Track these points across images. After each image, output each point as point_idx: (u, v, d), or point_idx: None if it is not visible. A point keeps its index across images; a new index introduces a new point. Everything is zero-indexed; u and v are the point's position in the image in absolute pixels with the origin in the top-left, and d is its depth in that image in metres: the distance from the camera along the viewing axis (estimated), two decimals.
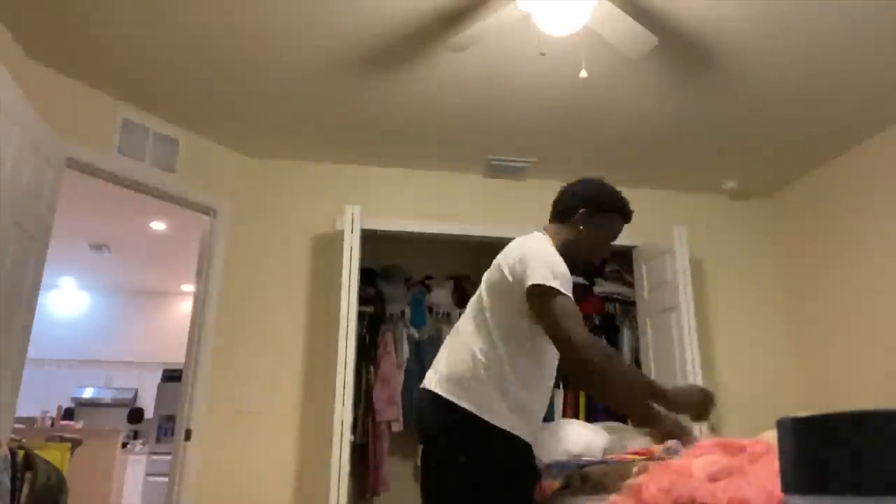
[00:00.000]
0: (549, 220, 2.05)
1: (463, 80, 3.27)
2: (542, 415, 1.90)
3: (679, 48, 2.95)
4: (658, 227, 4.21)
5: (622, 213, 2.02)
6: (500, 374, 1.78)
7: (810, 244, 4.27)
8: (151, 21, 2.85)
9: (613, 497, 1.23)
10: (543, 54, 2.73)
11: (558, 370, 1.94)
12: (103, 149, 3.39)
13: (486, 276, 1.96)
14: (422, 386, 1.92)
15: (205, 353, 3.67)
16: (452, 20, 2.78)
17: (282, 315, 3.89)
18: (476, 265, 4.99)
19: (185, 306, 6.39)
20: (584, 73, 2.74)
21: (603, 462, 1.94)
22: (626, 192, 4.74)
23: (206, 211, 3.88)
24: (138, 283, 7.46)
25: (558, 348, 1.74)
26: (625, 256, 4.48)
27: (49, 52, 3.09)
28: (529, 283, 1.74)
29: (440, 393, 1.82)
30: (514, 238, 2.03)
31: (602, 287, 4.67)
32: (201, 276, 3.85)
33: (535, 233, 1.98)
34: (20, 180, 2.66)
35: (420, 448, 1.94)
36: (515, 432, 1.77)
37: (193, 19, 2.83)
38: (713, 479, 1.10)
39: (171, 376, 6.55)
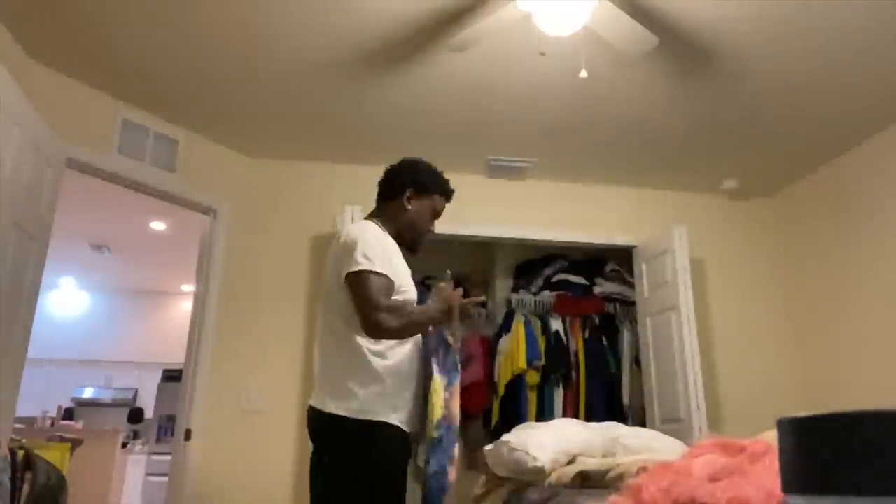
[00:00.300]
0: (376, 203, 2.20)
1: (463, 80, 3.27)
2: (401, 385, 1.97)
3: (679, 48, 2.96)
4: (658, 227, 4.22)
5: (444, 193, 2.18)
6: (348, 367, 1.92)
7: (810, 244, 4.27)
8: (152, 21, 2.85)
9: (613, 497, 1.23)
10: (543, 54, 2.74)
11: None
12: (103, 149, 3.39)
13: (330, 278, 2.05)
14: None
15: (205, 353, 3.67)
16: (452, 20, 2.78)
17: (282, 315, 3.89)
18: (476, 265, 5.01)
19: (185, 306, 6.39)
20: (584, 73, 2.74)
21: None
22: (627, 192, 4.73)
23: (206, 211, 3.88)
24: (138, 283, 7.46)
25: (362, 325, 1.89)
26: (625, 256, 4.48)
27: (49, 52, 3.09)
28: (345, 272, 1.91)
29: (312, 404, 1.97)
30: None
31: (602, 287, 4.67)
32: (201, 276, 3.85)
33: (361, 221, 2.12)
34: (20, 180, 2.66)
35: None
36: (371, 419, 1.87)
37: (193, 19, 2.83)
38: (713, 479, 1.10)
39: (171, 376, 6.55)
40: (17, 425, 3.49)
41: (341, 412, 1.87)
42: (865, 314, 3.77)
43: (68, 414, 6.99)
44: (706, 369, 3.91)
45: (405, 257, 2.12)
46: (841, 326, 3.96)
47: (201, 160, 3.85)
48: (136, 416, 7.44)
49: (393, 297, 1.94)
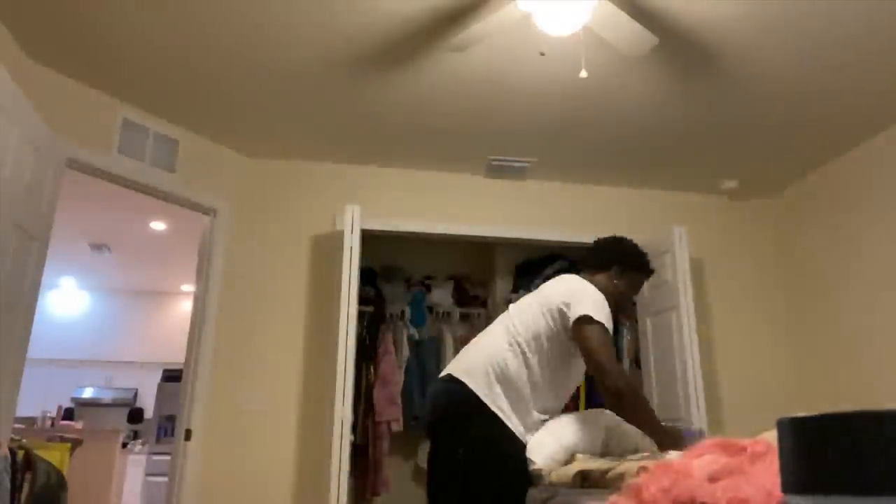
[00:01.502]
0: (585, 270, 2.36)
1: (463, 80, 3.27)
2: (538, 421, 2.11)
3: (679, 48, 2.95)
4: (658, 227, 4.21)
5: (647, 272, 2.37)
6: (511, 383, 2.03)
7: (810, 244, 4.27)
8: (152, 21, 2.85)
9: (613, 497, 1.23)
10: (543, 54, 2.74)
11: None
12: (103, 149, 3.39)
13: (538, 298, 2.21)
14: (446, 374, 2.13)
15: (205, 353, 3.67)
16: (452, 20, 2.78)
17: (282, 315, 3.89)
18: (476, 265, 5.02)
19: (185, 306, 6.39)
20: (584, 73, 2.74)
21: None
22: (626, 192, 4.73)
23: (206, 211, 3.88)
24: (138, 283, 7.46)
25: (594, 372, 2.02)
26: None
27: (49, 52, 3.09)
28: (580, 312, 2.03)
29: (467, 383, 2.04)
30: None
31: None
32: (201, 276, 3.85)
33: (577, 276, 2.28)
34: (20, 180, 2.66)
35: (426, 442, 2.19)
36: (524, 438, 2.00)
37: (194, 19, 2.83)
38: (713, 479, 1.10)
39: (171, 376, 6.55)
40: (17, 425, 3.49)
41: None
42: (865, 314, 3.77)
43: (68, 414, 6.99)
44: (706, 369, 3.91)
45: None
46: (841, 326, 3.96)
47: (201, 160, 3.85)
48: (136, 416, 7.45)
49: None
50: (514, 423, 2.01)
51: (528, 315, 2.14)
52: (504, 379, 2.04)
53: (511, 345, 2.09)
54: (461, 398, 2.03)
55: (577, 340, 2.04)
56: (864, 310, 3.78)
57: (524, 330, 2.11)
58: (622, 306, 2.33)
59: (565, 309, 2.07)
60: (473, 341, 2.24)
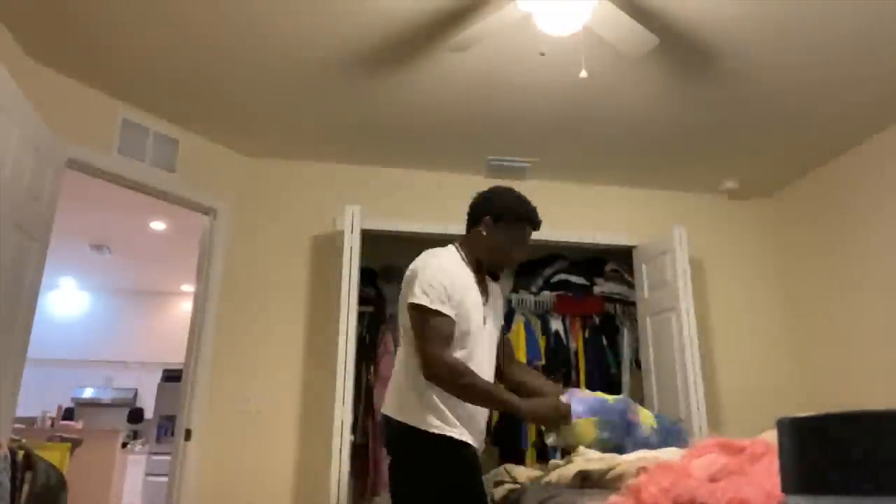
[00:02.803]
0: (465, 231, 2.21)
1: (463, 80, 3.27)
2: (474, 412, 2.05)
3: (679, 48, 2.96)
4: (658, 227, 4.22)
5: (528, 220, 2.14)
6: (418, 382, 1.97)
7: (810, 244, 4.27)
8: (152, 21, 2.85)
9: (613, 497, 1.23)
10: (543, 54, 2.74)
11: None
12: (103, 149, 3.39)
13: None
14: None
15: (205, 353, 3.67)
16: (452, 20, 2.78)
17: (282, 315, 3.89)
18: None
19: (185, 306, 6.39)
20: (584, 73, 2.74)
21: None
22: (626, 192, 4.72)
23: (206, 211, 3.88)
24: (138, 283, 7.46)
25: (424, 361, 1.95)
26: (625, 256, 4.48)
27: (49, 52, 3.09)
28: (411, 301, 1.96)
29: (382, 411, 2.07)
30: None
31: (602, 287, 4.67)
32: (201, 276, 3.85)
33: (446, 247, 2.15)
34: (20, 180, 2.66)
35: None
36: (438, 431, 1.94)
37: (193, 19, 2.83)
38: (713, 479, 1.10)
39: (171, 376, 6.56)
40: (17, 425, 3.49)
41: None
42: (865, 314, 3.77)
43: (68, 414, 6.99)
44: (706, 369, 3.92)
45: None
46: (841, 326, 3.96)
47: (201, 160, 3.85)
48: (136, 416, 7.45)
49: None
50: (423, 423, 1.94)
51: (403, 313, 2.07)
52: (405, 387, 2.01)
53: (404, 353, 2.06)
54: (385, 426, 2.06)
55: (411, 326, 1.98)
56: (864, 309, 3.78)
57: (403, 324, 2.07)
58: (496, 262, 2.15)
59: (407, 296, 2.00)
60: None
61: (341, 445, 3.27)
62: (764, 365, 4.27)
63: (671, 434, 2.13)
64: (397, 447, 2.01)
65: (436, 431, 1.93)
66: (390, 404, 2.04)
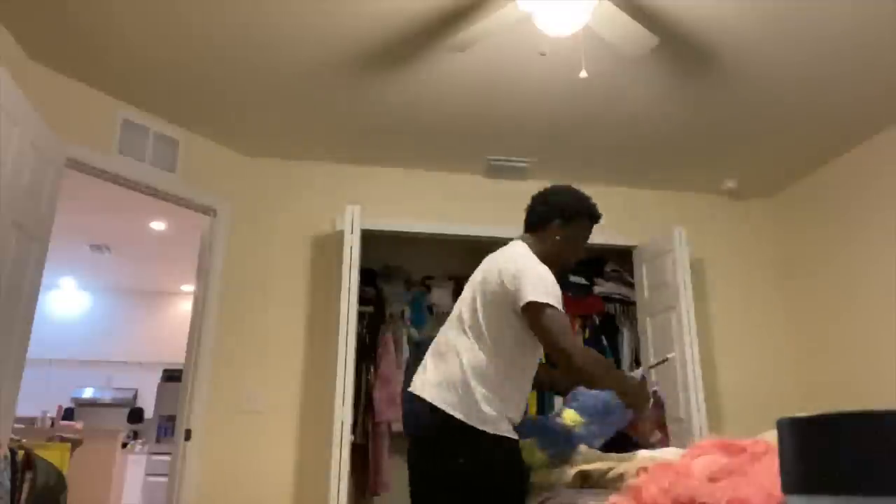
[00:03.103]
0: (525, 230, 2.21)
1: (463, 80, 3.27)
2: (523, 409, 2.04)
3: (679, 48, 2.96)
4: (658, 227, 4.21)
5: (591, 217, 2.16)
6: (488, 381, 1.92)
7: (810, 244, 4.27)
8: (152, 22, 2.85)
9: (613, 497, 1.23)
10: (543, 54, 2.73)
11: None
12: (103, 149, 3.39)
13: (478, 286, 2.07)
14: (411, 391, 2.07)
15: (205, 353, 3.67)
16: (452, 20, 2.78)
17: (282, 315, 3.89)
18: (476, 265, 5.01)
19: (185, 306, 6.39)
20: (584, 73, 2.74)
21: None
22: (626, 192, 4.72)
23: (206, 211, 3.88)
24: (138, 283, 7.46)
25: (557, 360, 1.91)
26: (625, 256, 4.48)
27: (49, 53, 3.09)
28: (528, 299, 1.89)
29: (430, 400, 1.96)
30: (513, 238, 2.17)
31: (602, 287, 4.67)
32: (201, 276, 3.85)
33: (517, 244, 2.13)
34: (20, 180, 2.66)
35: (408, 450, 2.14)
36: (503, 433, 1.90)
37: (193, 20, 2.83)
38: (713, 479, 1.10)
39: (171, 376, 6.55)
40: (17, 425, 3.49)
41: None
42: (865, 314, 3.77)
43: (68, 414, 6.99)
44: (706, 369, 3.91)
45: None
46: (841, 326, 3.96)
47: (201, 160, 3.85)
48: (136, 416, 7.45)
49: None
50: (490, 426, 1.89)
51: (486, 307, 2.02)
52: (472, 384, 1.94)
53: (473, 346, 1.99)
54: (436, 417, 1.95)
55: (532, 330, 1.92)
56: (864, 309, 3.78)
57: (484, 325, 2.00)
58: (567, 263, 2.16)
59: (511, 290, 1.94)
60: (433, 348, 2.16)
61: (341, 445, 3.27)
62: (764, 365, 4.27)
63: (607, 413, 2.08)
64: (456, 447, 1.92)
65: (505, 434, 1.92)
66: (450, 402, 1.93)
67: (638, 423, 2.11)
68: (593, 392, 2.08)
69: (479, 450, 1.89)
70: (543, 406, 4.23)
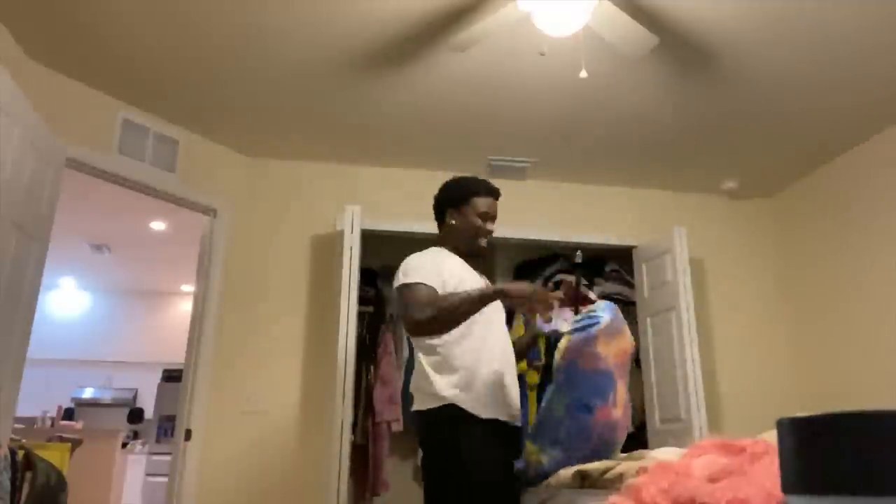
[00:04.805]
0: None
1: (463, 80, 3.27)
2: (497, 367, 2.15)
3: (679, 48, 2.96)
4: (658, 227, 4.22)
5: (479, 192, 2.29)
6: (421, 364, 2.12)
7: (810, 244, 4.27)
8: (152, 21, 2.85)
9: (613, 497, 1.23)
10: (543, 54, 2.73)
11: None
12: (103, 149, 3.39)
13: None
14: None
15: (205, 353, 3.67)
16: (453, 20, 2.79)
17: (282, 315, 3.89)
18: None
19: (185, 306, 6.38)
20: (584, 73, 2.74)
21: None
22: (626, 192, 4.71)
23: (206, 211, 3.88)
24: (138, 283, 7.46)
25: (406, 327, 2.14)
26: (625, 256, 4.48)
27: (49, 52, 3.09)
28: (394, 288, 2.15)
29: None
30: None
31: (602, 287, 4.67)
32: (201, 276, 3.85)
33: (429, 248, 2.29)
34: (20, 180, 2.66)
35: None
36: (464, 407, 2.02)
37: (194, 20, 2.83)
38: (713, 479, 1.10)
39: (171, 376, 6.55)
40: (17, 425, 3.49)
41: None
42: (865, 314, 3.77)
43: (68, 414, 6.98)
44: (706, 369, 3.91)
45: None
46: (840, 326, 3.96)
47: (201, 160, 3.85)
48: (136, 416, 7.44)
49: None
50: (437, 399, 2.04)
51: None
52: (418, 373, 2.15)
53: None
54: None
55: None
56: (864, 309, 3.78)
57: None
58: (473, 239, 2.28)
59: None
60: None
61: (341, 445, 3.27)
62: (764, 365, 4.27)
63: (556, 428, 2.00)
64: (425, 436, 2.11)
65: (450, 402, 2.02)
66: (415, 401, 2.15)
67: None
68: (541, 411, 2.07)
69: (434, 428, 2.06)
70: None
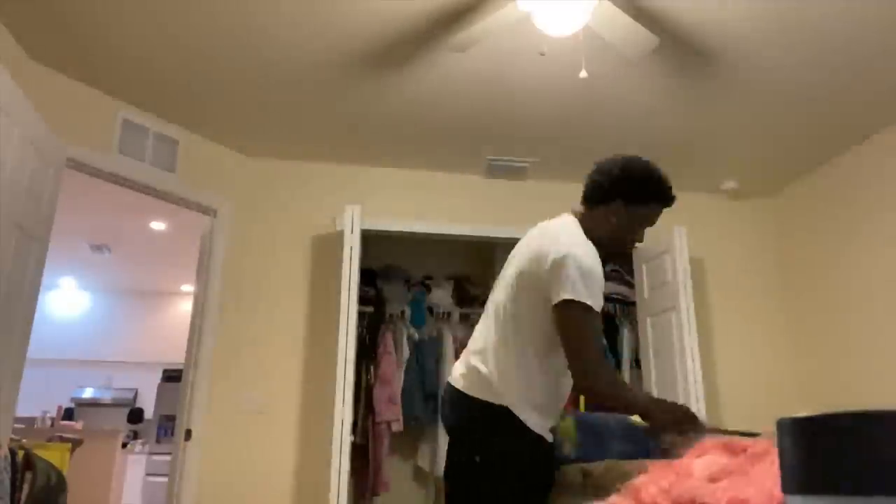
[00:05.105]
0: (581, 201, 1.97)
1: (463, 80, 3.27)
2: (559, 410, 1.91)
3: (679, 49, 2.95)
4: (658, 227, 4.19)
5: (662, 200, 1.89)
6: (527, 372, 1.78)
7: (810, 244, 4.27)
8: (151, 21, 2.85)
9: (613, 497, 1.23)
10: (543, 54, 2.73)
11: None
12: (103, 149, 3.39)
13: (518, 265, 1.87)
14: (448, 380, 1.94)
15: (205, 353, 3.67)
16: (453, 20, 2.78)
17: (282, 315, 3.89)
18: (476, 265, 5.01)
19: (185, 306, 6.39)
20: (584, 73, 2.74)
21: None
22: None
23: (206, 211, 3.88)
24: (138, 283, 7.46)
25: (570, 368, 1.74)
26: (625, 256, 4.48)
27: (49, 52, 3.09)
28: (562, 296, 1.69)
29: (465, 391, 1.82)
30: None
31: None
32: (201, 276, 3.85)
33: (567, 218, 1.93)
34: (20, 180, 2.66)
35: (448, 441, 1.97)
36: (538, 431, 1.77)
37: (194, 20, 2.83)
38: (713, 479, 1.10)
39: (171, 376, 6.55)
40: (17, 425, 3.49)
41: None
42: (865, 313, 3.77)
43: (68, 414, 6.99)
44: (706, 369, 3.91)
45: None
46: (840, 326, 3.95)
47: (201, 160, 3.85)
48: (136, 416, 7.45)
49: None
50: (527, 418, 1.75)
51: (521, 290, 1.83)
52: (511, 375, 1.79)
53: (513, 335, 1.81)
54: (472, 407, 1.80)
55: (556, 327, 1.73)
56: (864, 309, 3.78)
57: (520, 310, 1.81)
58: (618, 247, 1.94)
59: (547, 280, 1.75)
60: (478, 331, 1.96)
61: (341, 445, 3.27)
62: (764, 365, 4.27)
63: (608, 437, 1.94)
64: (490, 426, 1.78)
65: (536, 431, 1.77)
66: (478, 386, 1.80)
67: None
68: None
69: (514, 444, 1.76)
70: None
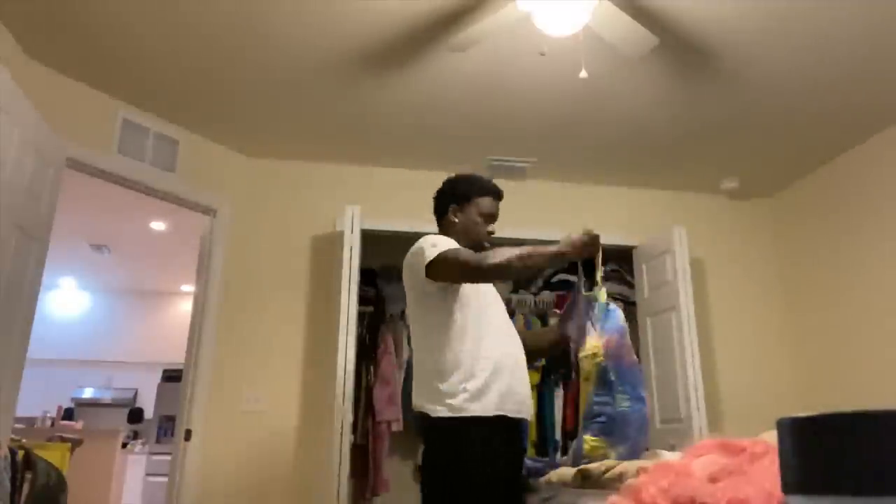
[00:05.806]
0: (436, 222, 2.35)
1: (463, 81, 3.27)
2: (501, 357, 2.09)
3: (679, 48, 2.96)
4: (658, 227, 4.21)
5: (485, 192, 2.28)
6: (439, 356, 2.03)
7: (810, 244, 4.27)
8: (152, 21, 2.85)
9: (613, 497, 1.23)
10: (543, 54, 2.73)
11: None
12: (103, 149, 3.39)
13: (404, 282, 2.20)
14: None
15: (205, 352, 3.67)
16: (452, 20, 2.79)
17: (282, 315, 3.89)
18: None
19: (185, 306, 6.39)
20: (584, 73, 2.74)
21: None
22: (626, 192, 4.71)
23: (206, 211, 3.88)
24: (138, 283, 7.46)
25: (469, 276, 2.05)
26: (625, 256, 4.48)
27: (49, 52, 3.09)
28: (425, 261, 2.02)
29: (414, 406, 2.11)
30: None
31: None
32: (201, 276, 3.85)
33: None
34: (20, 180, 2.66)
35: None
36: (468, 414, 1.95)
37: (194, 19, 2.83)
38: (713, 479, 1.10)
39: (171, 376, 6.56)
40: (17, 425, 3.49)
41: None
42: (865, 314, 3.77)
43: (68, 414, 6.99)
44: (706, 369, 3.91)
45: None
46: (840, 326, 3.96)
47: (201, 160, 3.85)
48: (136, 416, 7.45)
49: (457, 305, 2.08)
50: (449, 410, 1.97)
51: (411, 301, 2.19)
52: (425, 375, 2.09)
53: (419, 340, 2.16)
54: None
55: (440, 279, 2.03)
56: (864, 309, 3.78)
57: (417, 318, 2.17)
58: (474, 241, 2.23)
59: (416, 268, 2.07)
60: None
61: (341, 445, 3.26)
62: (764, 364, 4.27)
63: (625, 424, 2.03)
64: (433, 440, 2.03)
65: (466, 414, 1.95)
66: (419, 397, 2.08)
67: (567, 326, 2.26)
68: (606, 406, 2.03)
69: (444, 440, 1.97)
70: (542, 408, 4.23)
